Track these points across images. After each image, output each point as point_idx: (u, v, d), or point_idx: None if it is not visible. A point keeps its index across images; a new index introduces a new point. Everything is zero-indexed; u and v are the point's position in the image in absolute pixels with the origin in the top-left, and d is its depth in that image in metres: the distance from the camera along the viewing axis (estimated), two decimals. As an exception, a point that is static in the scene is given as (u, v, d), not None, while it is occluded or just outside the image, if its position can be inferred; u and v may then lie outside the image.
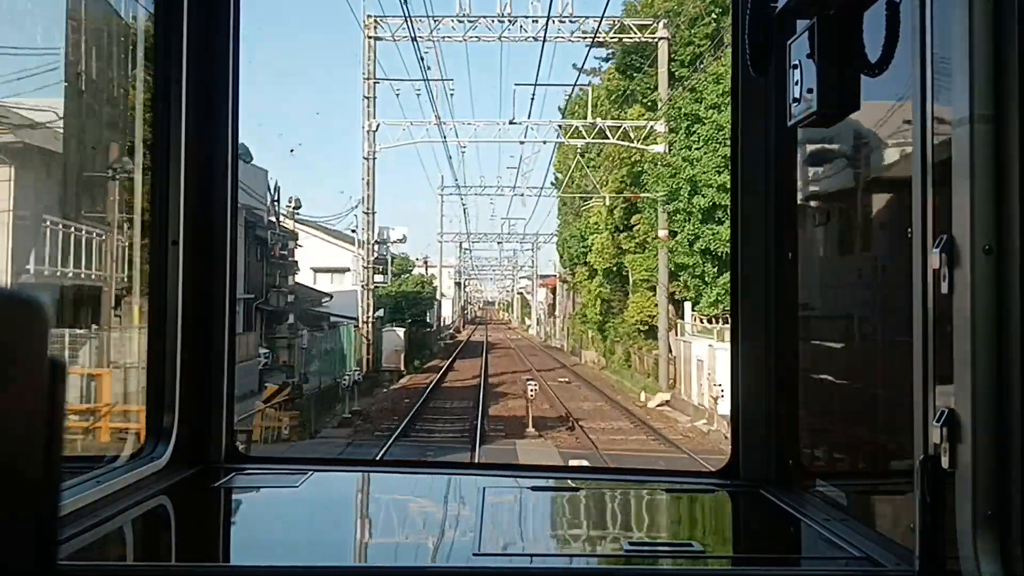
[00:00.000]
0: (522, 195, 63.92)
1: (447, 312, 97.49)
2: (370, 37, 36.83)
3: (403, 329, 43.08)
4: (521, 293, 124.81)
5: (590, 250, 43.73)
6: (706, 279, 29.35)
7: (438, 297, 72.68)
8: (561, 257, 59.59)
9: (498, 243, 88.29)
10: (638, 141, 34.20)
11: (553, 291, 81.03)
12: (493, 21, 34.91)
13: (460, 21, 34.72)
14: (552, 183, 58.04)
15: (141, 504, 2.35)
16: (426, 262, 74.25)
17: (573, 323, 58.81)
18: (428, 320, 60.99)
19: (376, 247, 40.86)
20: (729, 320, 3.03)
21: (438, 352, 58.11)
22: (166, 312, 2.66)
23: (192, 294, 2.68)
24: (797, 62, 2.31)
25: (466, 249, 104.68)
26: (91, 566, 1.92)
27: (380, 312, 44.29)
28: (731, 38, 2.73)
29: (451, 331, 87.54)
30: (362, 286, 39.95)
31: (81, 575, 1.85)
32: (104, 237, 10.83)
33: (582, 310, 51.33)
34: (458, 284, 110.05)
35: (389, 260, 47.64)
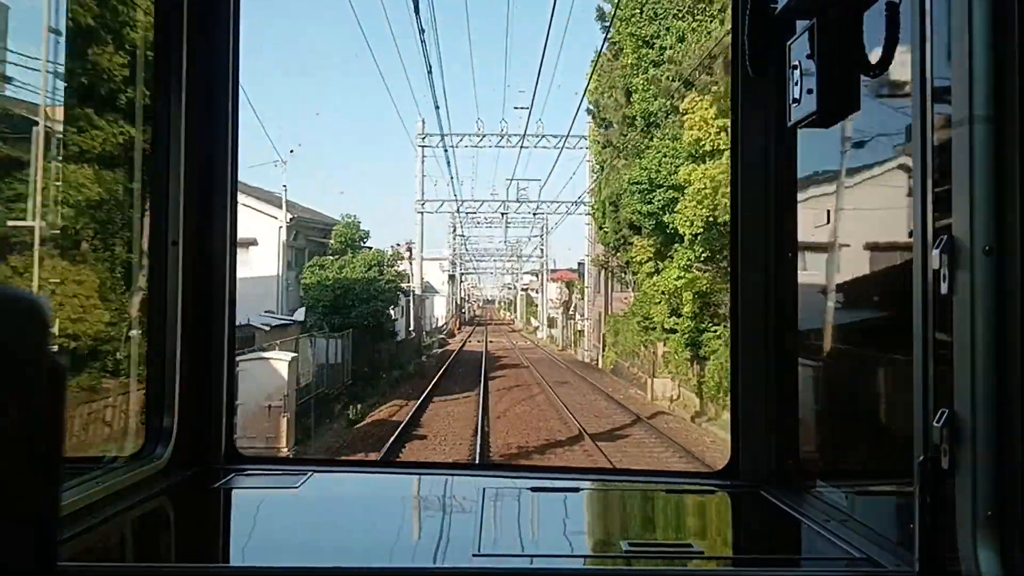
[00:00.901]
0: (537, 137, 44.19)
1: (440, 311, 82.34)
2: None
3: (291, 357, 20.63)
4: (525, 290, 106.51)
5: (680, 198, 23.74)
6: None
7: (417, 290, 49.54)
8: (601, 228, 38.34)
9: (502, 214, 58.05)
10: None
11: (568, 285, 65.51)
12: None
13: None
14: (588, 109, 38.15)
15: (141, 504, 2.35)
16: (409, 249, 50.37)
17: (617, 329, 37.59)
18: (392, 324, 37.79)
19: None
20: (729, 320, 3.00)
21: (414, 373, 36.29)
22: (166, 312, 2.66)
23: (192, 294, 2.68)
24: (797, 62, 2.31)
25: (460, 236, 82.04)
26: (91, 566, 1.92)
27: (299, 313, 30.84)
28: (731, 38, 2.74)
29: (443, 336, 68.77)
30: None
31: (81, 575, 1.85)
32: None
33: (642, 310, 30.21)
34: (452, 277, 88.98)
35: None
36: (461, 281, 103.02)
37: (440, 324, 78.85)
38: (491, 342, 60.90)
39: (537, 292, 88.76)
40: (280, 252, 33.81)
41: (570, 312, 62.10)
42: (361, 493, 2.90)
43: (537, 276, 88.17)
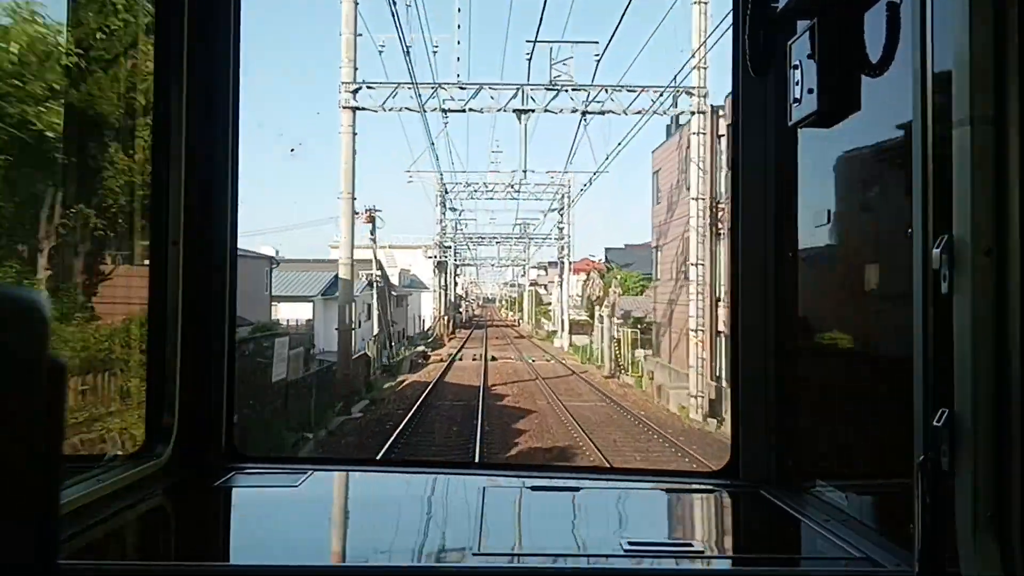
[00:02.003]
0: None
1: (428, 311, 65.91)
2: None
3: None
4: (534, 285, 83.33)
5: None
6: None
7: (344, 272, 28.01)
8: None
9: (517, 113, 27.40)
10: None
11: (602, 275, 48.68)
12: None
13: None
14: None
15: (141, 504, 2.35)
16: (372, 218, 33.85)
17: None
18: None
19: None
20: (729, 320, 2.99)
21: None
22: (166, 312, 2.66)
23: (192, 294, 2.69)
24: (797, 62, 2.31)
25: (454, 209, 59.27)
26: (91, 566, 1.92)
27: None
28: (731, 38, 2.74)
29: (424, 347, 47.98)
30: None
31: (82, 573, 1.86)
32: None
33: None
34: (441, 265, 63.41)
35: None
36: (456, 274, 78.63)
37: (427, 328, 62.58)
38: (493, 358, 43.71)
39: (547, 288, 70.28)
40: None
41: (603, 311, 43.67)
42: (361, 492, 2.90)
43: (546, 270, 69.85)
